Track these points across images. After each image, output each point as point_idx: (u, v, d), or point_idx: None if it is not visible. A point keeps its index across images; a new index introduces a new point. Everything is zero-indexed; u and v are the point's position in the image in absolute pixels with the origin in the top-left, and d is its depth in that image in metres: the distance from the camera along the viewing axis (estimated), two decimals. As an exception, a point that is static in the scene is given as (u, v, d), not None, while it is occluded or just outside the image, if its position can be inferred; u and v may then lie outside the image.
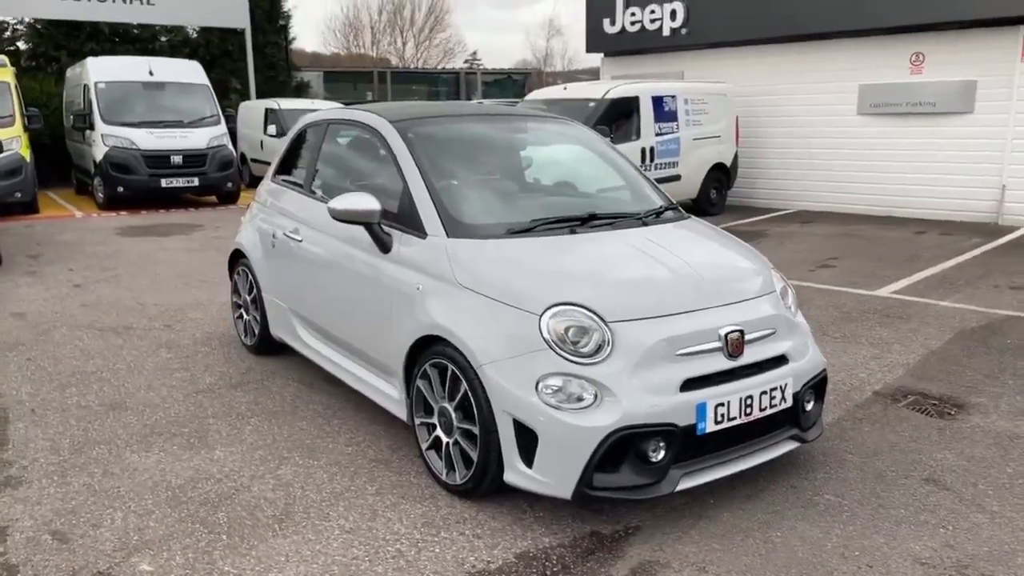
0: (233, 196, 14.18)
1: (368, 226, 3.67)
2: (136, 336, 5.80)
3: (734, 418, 3.09)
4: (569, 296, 3.07)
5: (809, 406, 3.42)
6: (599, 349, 2.97)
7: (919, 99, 11.34)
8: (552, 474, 2.94)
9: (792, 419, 3.35)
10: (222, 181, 13.77)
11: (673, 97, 11.17)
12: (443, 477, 3.38)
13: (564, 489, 2.93)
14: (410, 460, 3.69)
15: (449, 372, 3.26)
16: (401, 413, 3.69)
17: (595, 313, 3.02)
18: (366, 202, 3.59)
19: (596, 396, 2.90)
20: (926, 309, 6.39)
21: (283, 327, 4.85)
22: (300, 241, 4.44)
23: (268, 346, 5.17)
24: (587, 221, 3.67)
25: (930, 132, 11.31)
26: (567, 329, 2.99)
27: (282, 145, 5.23)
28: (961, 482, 3.45)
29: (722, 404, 3.04)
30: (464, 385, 3.16)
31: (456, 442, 3.29)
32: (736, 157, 12.16)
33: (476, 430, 3.14)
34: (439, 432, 3.40)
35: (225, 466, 3.68)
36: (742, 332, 3.17)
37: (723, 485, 3.30)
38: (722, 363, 3.11)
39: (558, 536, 3.04)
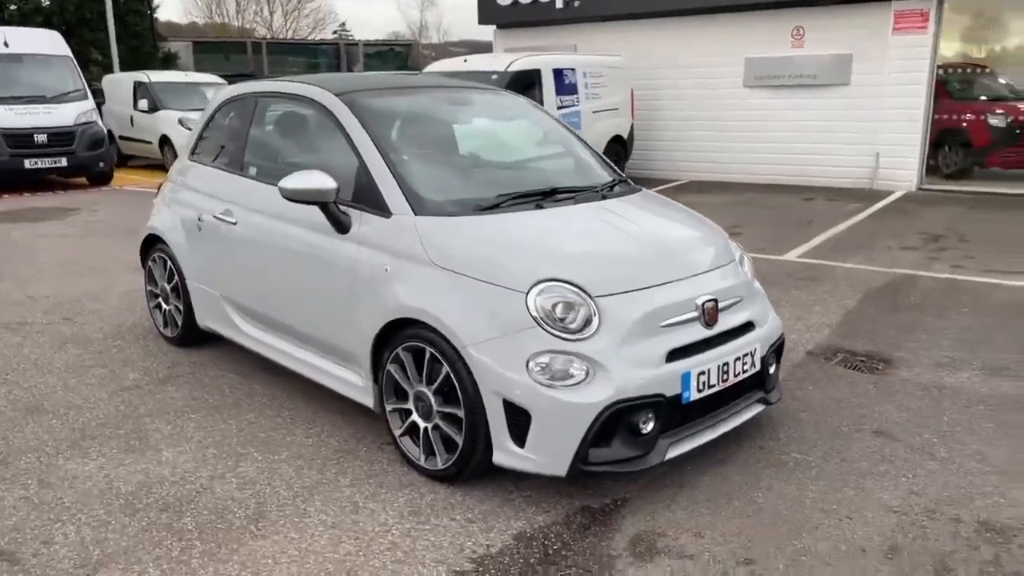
0: (106, 177, 13.23)
1: (323, 206, 3.47)
2: (35, 332, 5.31)
3: (714, 385, 3.15)
4: (554, 272, 3.03)
5: (771, 369, 3.54)
6: (586, 324, 2.95)
7: (800, 72, 11.93)
8: (546, 452, 2.91)
9: (759, 383, 3.45)
10: (93, 161, 12.81)
11: (573, 70, 11.24)
12: (422, 463, 3.28)
13: (559, 467, 2.91)
14: (378, 448, 3.57)
15: (427, 355, 3.15)
16: (367, 400, 3.55)
17: (581, 288, 3.00)
18: (321, 180, 3.40)
19: (587, 372, 2.88)
20: (833, 271, 6.76)
21: (213, 316, 4.56)
22: (234, 224, 4.17)
23: (193, 337, 4.86)
24: (549, 195, 3.63)
25: (811, 103, 11.93)
26: (554, 305, 2.95)
27: (198, 122, 4.89)
28: (907, 433, 3.67)
29: (703, 372, 3.10)
30: (445, 368, 3.07)
31: (436, 426, 3.20)
32: (632, 129, 12.40)
33: (460, 413, 3.06)
34: (415, 417, 3.29)
35: (177, 468, 3.43)
36: (716, 301, 3.23)
37: (696, 452, 3.37)
38: (700, 332, 3.16)
39: (550, 514, 3.02)
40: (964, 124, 12.02)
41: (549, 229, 3.37)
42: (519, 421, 2.93)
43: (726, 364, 3.19)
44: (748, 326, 3.38)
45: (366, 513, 3.05)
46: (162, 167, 15.53)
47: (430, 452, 3.25)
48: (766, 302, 3.66)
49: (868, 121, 11.48)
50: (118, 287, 6.46)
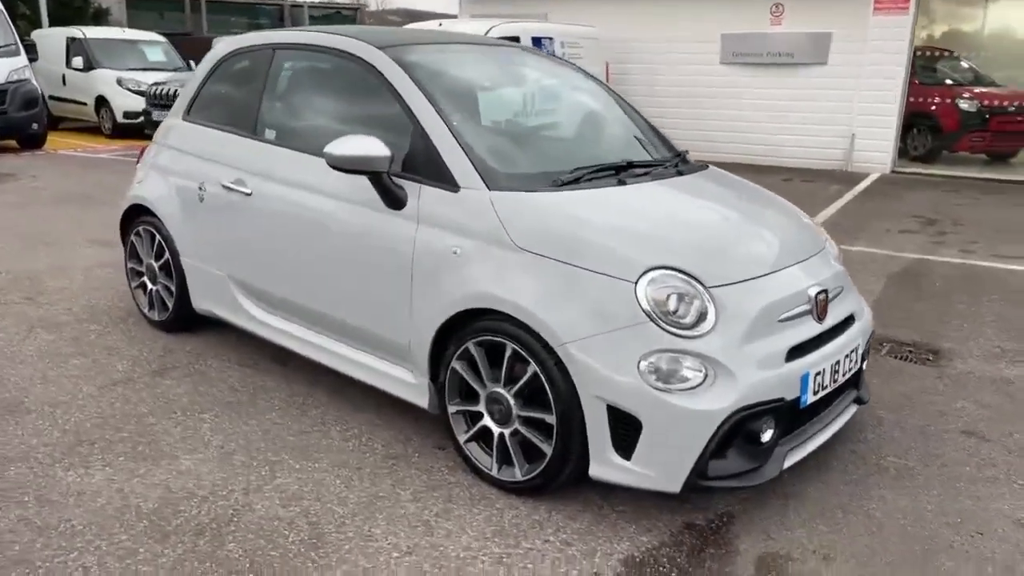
0: (39, 140, 12.20)
1: (376, 177, 3.00)
2: (-6, 314, 4.66)
3: (827, 386, 2.84)
4: (664, 259, 2.64)
5: (864, 365, 3.26)
6: (700, 319, 2.58)
7: (778, 50, 11.75)
8: (658, 465, 2.54)
9: (853, 381, 3.16)
10: (26, 122, 11.78)
11: (551, 39, 10.80)
12: (494, 473, 2.88)
13: (673, 482, 2.55)
14: (431, 453, 3.15)
15: (508, 352, 2.74)
16: (419, 401, 3.11)
17: (694, 278, 2.62)
18: (374, 147, 2.92)
19: (707, 374, 2.52)
20: (846, 255, 6.55)
21: (215, 299, 4.03)
22: (248, 194, 3.64)
23: (185, 321, 4.32)
24: (624, 170, 3.23)
25: (788, 82, 11.78)
26: (667, 297, 2.57)
27: (193, 77, 4.30)
28: (997, 432, 3.44)
29: (819, 372, 2.78)
30: (532, 367, 2.67)
31: (516, 432, 2.80)
32: (607, 103, 12.03)
33: (551, 419, 2.67)
34: (487, 422, 2.88)
35: (203, 480, 2.94)
36: (827, 292, 2.91)
37: (791, 456, 3.06)
38: (813, 328, 2.83)
39: (654, 534, 2.66)
40: (933, 108, 12.07)
41: (642, 209, 2.98)
42: (626, 430, 2.55)
43: (837, 362, 2.88)
44: (850, 319, 3.07)
45: (442, 534, 2.63)
46: (97, 130, 14.48)
47: (506, 461, 2.85)
48: (857, 292, 3.36)
49: (845, 102, 11.40)
50: (80, 262, 5.80)
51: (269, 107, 3.75)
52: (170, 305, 4.30)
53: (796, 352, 2.72)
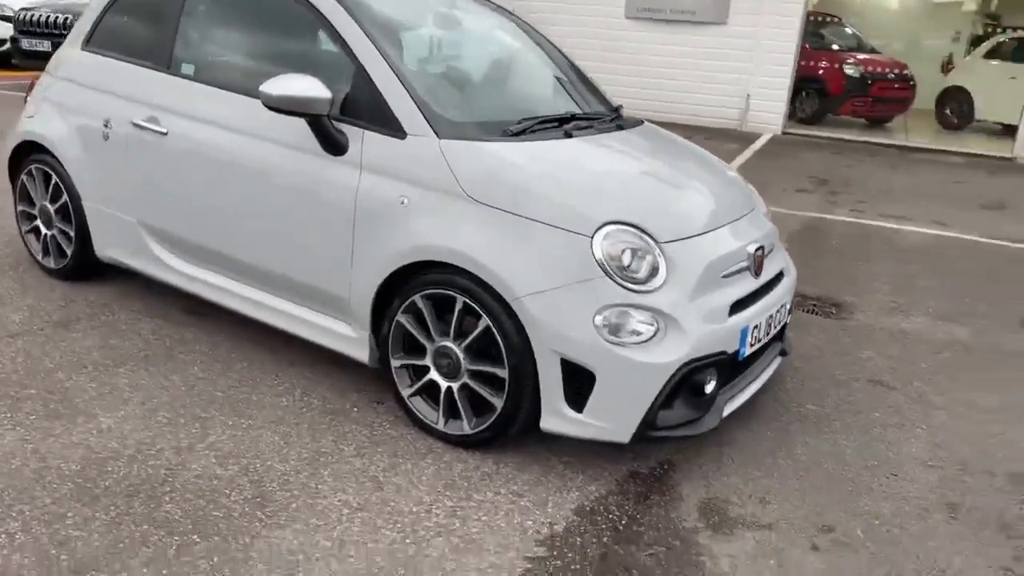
0: None
1: (315, 120, 2.85)
2: None
3: (761, 339, 2.96)
4: (619, 214, 2.65)
5: (789, 319, 3.41)
6: (652, 274, 2.61)
7: (681, 7, 11.91)
8: (609, 417, 2.58)
9: (779, 334, 3.30)
10: None
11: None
12: (440, 427, 2.85)
13: (623, 433, 2.60)
14: (371, 408, 3.09)
15: (458, 305, 2.70)
16: (359, 355, 3.03)
17: (647, 233, 2.65)
18: (314, 88, 2.77)
19: (658, 328, 2.57)
20: (749, 212, 6.81)
21: (123, 246, 3.76)
22: (164, 134, 3.39)
23: (84, 270, 4.02)
24: (568, 122, 3.20)
25: (689, 40, 11.99)
26: (622, 252, 2.59)
27: (94, 3, 3.92)
28: (899, 380, 3.70)
29: (756, 326, 2.88)
30: (485, 321, 2.64)
31: (465, 386, 2.78)
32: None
33: (502, 373, 2.66)
34: (434, 376, 2.84)
35: (127, 438, 2.77)
36: (763, 248, 3.01)
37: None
38: (751, 283, 2.93)
39: (601, 483, 2.72)
40: (821, 72, 12.61)
41: (591, 163, 2.97)
42: (579, 383, 2.57)
43: (770, 316, 2.99)
44: (780, 275, 3.20)
45: (392, 489, 2.60)
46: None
47: (452, 415, 2.83)
48: (783, 249, 3.49)
49: (742, 62, 11.72)
50: (-48, 203, 5.27)
51: (186, 39, 3.48)
52: (68, 252, 3.99)
53: (737, 307, 2.81)
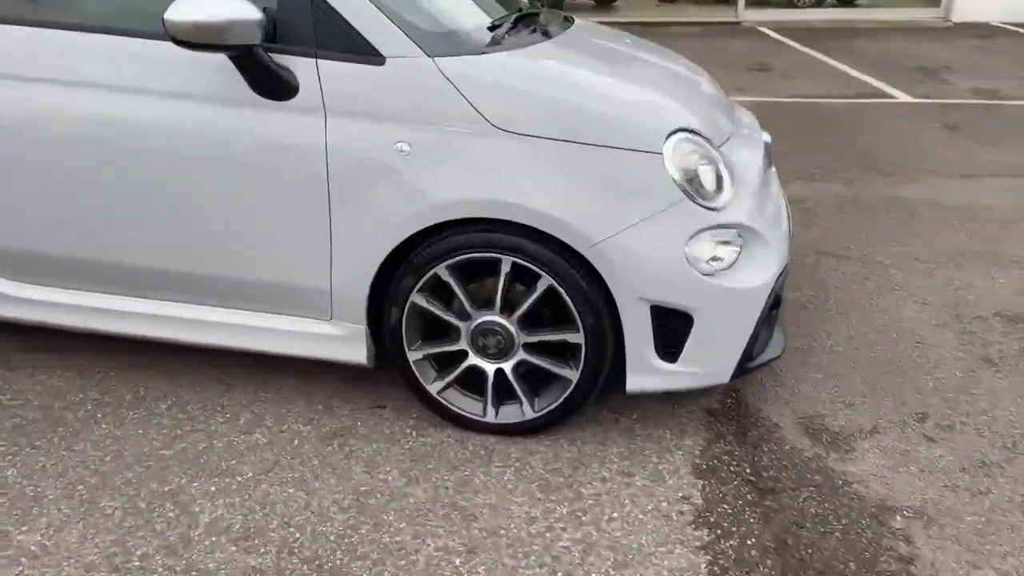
0: None
1: (246, 53, 2.03)
2: None
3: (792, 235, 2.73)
4: (678, 119, 2.21)
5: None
6: (719, 186, 2.23)
7: None
8: (709, 360, 2.22)
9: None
10: None
11: None
12: (488, 419, 2.32)
13: (722, 373, 2.25)
14: (376, 417, 2.45)
15: (505, 268, 2.13)
16: (353, 355, 2.35)
17: (707, 138, 2.25)
18: (241, 8, 1.95)
19: (742, 245, 2.22)
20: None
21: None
22: (-26, 112, 2.29)
23: None
24: (521, 22, 2.63)
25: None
26: (696, 165, 2.16)
27: None
28: (839, 247, 3.73)
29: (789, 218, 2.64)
30: (547, 281, 2.11)
31: (520, 363, 2.25)
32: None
33: (576, 338, 2.17)
34: (475, 360, 2.27)
35: (82, 557, 1.91)
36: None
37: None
38: (773, 175, 2.67)
39: (689, 433, 2.38)
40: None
41: (600, 66, 2.46)
42: (671, 330, 2.17)
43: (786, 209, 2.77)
44: (765, 163, 2.97)
45: (486, 513, 2.05)
46: None
47: (504, 401, 2.30)
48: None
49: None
50: None
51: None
52: None
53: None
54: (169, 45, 2.07)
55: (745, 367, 2.29)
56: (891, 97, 6.69)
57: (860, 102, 6.45)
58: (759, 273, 2.21)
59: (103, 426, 2.38)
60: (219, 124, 2.15)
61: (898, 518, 2.04)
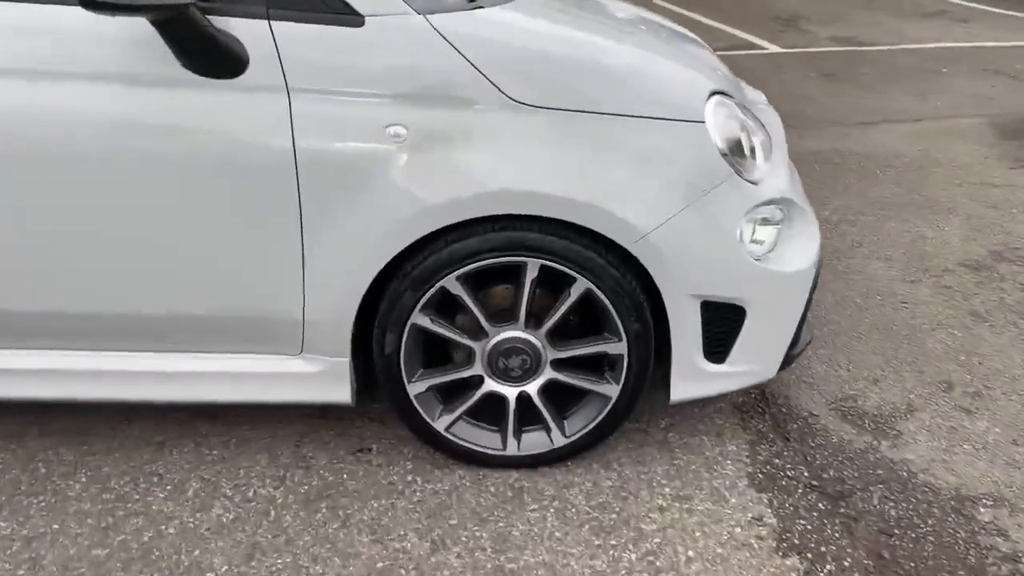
0: None
1: (177, 16, 1.49)
2: None
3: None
4: (710, 80, 1.88)
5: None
6: (752, 155, 1.93)
7: None
8: (757, 356, 1.94)
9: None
10: None
11: None
12: (508, 451, 1.93)
13: (769, 369, 1.98)
14: (365, 466, 2.00)
15: (530, 273, 1.74)
16: (334, 394, 1.88)
17: (738, 104, 1.94)
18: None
19: (783, 221, 1.94)
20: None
21: None
22: None
23: None
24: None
25: None
26: (737, 132, 1.85)
27: None
28: (816, 202, 3.59)
29: (791, 188, 2.41)
30: (583, 284, 1.74)
31: (549, 384, 1.87)
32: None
33: (618, 348, 1.82)
34: (493, 385, 1.87)
35: None
36: (759, 96, 2.49)
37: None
38: (770, 139, 2.42)
39: (728, 436, 2.11)
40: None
41: (603, 25, 2.08)
42: (720, 327, 1.87)
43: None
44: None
45: (543, 567, 1.68)
46: None
47: (524, 428, 1.93)
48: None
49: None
50: None
51: None
52: None
53: (787, 172, 2.29)
54: (76, 11, 1.49)
55: (789, 357, 2.04)
56: (762, 48, 6.74)
57: (737, 54, 6.43)
58: (805, 252, 1.95)
59: (0, 525, 1.78)
60: (152, 111, 1.59)
61: (981, 509, 1.87)
